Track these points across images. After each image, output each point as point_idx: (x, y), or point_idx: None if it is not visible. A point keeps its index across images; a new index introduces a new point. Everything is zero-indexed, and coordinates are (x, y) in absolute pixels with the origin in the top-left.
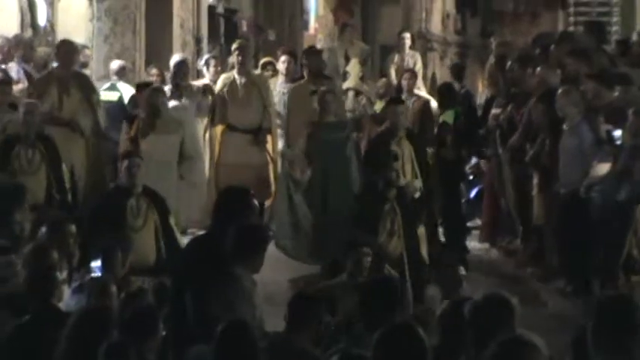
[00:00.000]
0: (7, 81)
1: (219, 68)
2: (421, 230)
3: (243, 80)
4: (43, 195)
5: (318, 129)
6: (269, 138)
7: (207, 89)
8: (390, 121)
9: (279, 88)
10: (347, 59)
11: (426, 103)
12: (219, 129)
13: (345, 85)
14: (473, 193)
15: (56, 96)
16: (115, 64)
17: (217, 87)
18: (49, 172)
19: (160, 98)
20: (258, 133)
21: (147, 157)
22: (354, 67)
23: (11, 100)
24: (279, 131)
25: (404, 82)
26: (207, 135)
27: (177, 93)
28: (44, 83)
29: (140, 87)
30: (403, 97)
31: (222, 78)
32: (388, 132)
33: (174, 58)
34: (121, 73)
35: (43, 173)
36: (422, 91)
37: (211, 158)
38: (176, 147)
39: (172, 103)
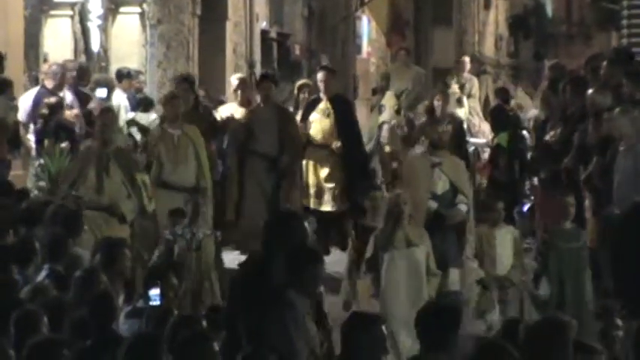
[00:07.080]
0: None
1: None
2: None
3: (177, 134)
4: None
5: (555, 236)
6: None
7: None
8: None
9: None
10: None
11: (460, 123)
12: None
13: (381, 119)
14: (525, 208)
15: (94, 177)
16: None
17: (152, 140)
18: None
19: None
20: (193, 193)
21: None
22: (389, 100)
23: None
24: None
25: (436, 103)
26: None
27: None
28: (81, 163)
29: None
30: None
31: (152, 131)
32: None
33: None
34: None
35: None
36: (475, 117)
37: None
38: None
39: None
